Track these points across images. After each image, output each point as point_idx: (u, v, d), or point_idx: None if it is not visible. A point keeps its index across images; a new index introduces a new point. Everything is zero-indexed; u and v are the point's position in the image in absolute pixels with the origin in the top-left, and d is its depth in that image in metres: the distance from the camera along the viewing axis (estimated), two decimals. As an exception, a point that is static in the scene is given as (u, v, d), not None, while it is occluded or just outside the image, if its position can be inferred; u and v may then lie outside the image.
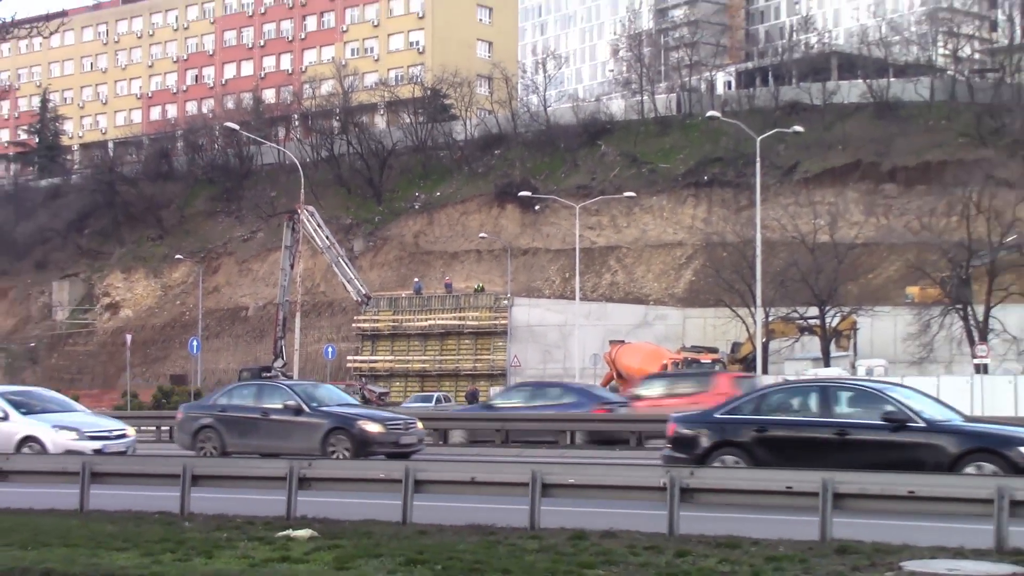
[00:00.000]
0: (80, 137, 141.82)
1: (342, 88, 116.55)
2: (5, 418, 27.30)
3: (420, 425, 31.30)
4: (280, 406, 29.77)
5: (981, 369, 56.39)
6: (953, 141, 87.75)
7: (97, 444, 26.53)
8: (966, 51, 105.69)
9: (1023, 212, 68.41)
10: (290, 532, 16.13)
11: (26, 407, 28.15)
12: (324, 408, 29.98)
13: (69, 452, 24.91)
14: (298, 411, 29.49)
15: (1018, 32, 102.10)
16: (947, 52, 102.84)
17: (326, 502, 18.71)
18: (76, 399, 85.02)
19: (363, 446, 28.40)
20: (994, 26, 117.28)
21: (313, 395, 30.68)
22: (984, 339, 61.29)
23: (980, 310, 63.48)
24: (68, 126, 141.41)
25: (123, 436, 27.83)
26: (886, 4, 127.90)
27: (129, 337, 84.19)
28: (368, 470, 19.38)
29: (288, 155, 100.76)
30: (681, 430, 21.16)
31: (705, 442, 20.49)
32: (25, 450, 26.21)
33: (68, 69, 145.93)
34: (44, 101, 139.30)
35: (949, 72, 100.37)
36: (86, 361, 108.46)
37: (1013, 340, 63.47)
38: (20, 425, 27.15)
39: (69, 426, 27.20)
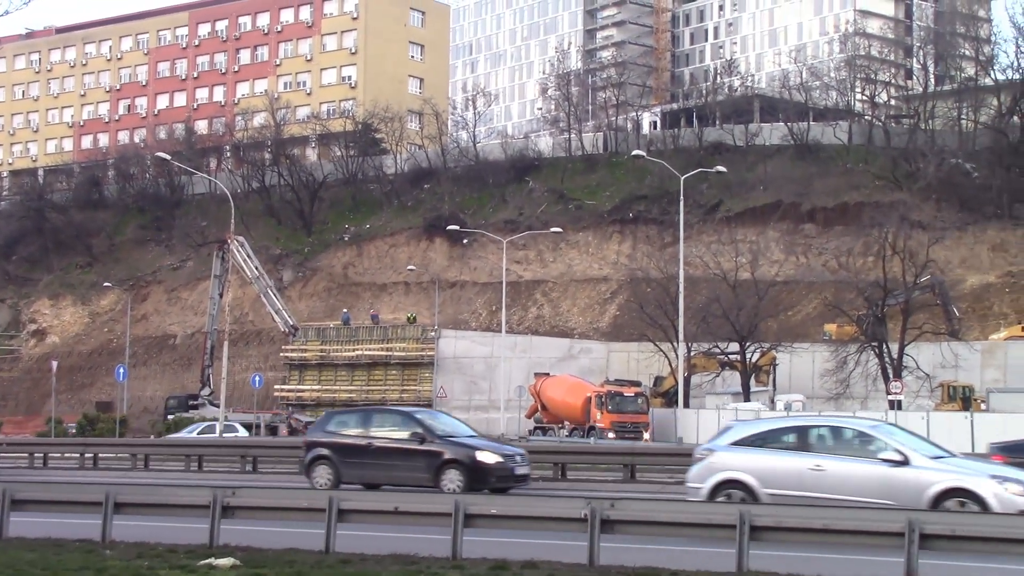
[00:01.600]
0: (10, 164, 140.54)
1: (274, 120, 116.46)
2: (905, 462, 20.21)
3: None
4: None
5: (895, 405, 56.79)
6: (870, 183, 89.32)
7: None
8: (883, 97, 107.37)
9: (936, 253, 69.94)
10: (212, 560, 16.04)
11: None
12: None
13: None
14: None
15: (932, 80, 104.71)
16: (864, 98, 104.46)
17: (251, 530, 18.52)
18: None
19: None
20: (909, 74, 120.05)
21: None
22: (898, 376, 61.81)
23: (895, 348, 64.18)
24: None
25: None
26: (807, 50, 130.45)
27: (55, 364, 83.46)
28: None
29: (219, 185, 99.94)
30: None
31: None
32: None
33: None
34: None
35: (866, 117, 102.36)
36: (10, 387, 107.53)
37: (926, 377, 63.85)
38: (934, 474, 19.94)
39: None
